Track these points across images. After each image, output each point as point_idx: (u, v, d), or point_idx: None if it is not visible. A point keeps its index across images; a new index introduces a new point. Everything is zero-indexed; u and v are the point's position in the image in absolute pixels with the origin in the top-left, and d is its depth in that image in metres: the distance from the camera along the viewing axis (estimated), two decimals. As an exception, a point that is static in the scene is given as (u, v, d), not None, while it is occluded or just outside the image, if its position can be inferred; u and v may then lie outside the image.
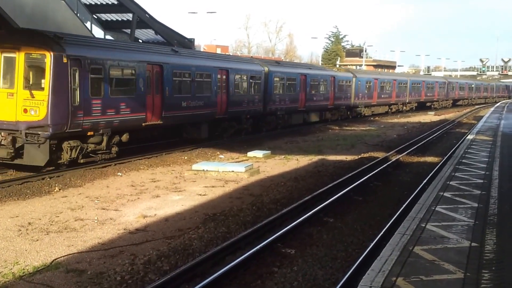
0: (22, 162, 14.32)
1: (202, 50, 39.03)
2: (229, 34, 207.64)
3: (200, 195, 13.09)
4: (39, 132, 13.87)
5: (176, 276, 7.32)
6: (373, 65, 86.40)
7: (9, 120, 14.10)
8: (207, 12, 53.30)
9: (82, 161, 15.44)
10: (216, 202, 12.44)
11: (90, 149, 15.68)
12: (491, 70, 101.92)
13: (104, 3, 26.49)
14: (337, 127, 33.31)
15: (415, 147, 22.74)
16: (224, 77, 22.47)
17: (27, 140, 13.90)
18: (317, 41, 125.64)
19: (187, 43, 30.70)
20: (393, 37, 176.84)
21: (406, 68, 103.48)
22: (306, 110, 30.81)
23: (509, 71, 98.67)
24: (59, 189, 13.30)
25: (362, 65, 75.63)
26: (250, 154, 19.79)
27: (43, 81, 14.10)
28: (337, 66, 58.81)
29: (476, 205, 8.93)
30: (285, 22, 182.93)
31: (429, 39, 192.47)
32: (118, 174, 15.62)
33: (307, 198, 12.14)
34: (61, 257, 8.43)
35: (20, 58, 14.15)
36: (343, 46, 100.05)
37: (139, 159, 17.86)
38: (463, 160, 14.28)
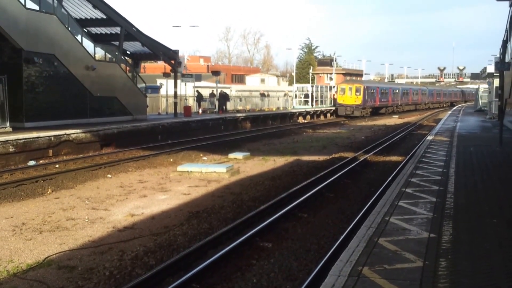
0: (351, 115, 48.22)
1: (186, 60, 39.34)
2: (211, 46, 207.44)
3: (185, 194, 13.00)
4: (360, 108, 49.11)
5: (162, 270, 7.24)
6: (342, 73, 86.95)
7: (350, 104, 48.94)
8: (190, 26, 53.09)
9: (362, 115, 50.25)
10: (199, 200, 12.36)
11: (367, 113, 50.93)
12: (449, 77, 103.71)
13: (94, 17, 26.16)
14: (310, 130, 33.52)
15: (381, 147, 22.96)
16: (378, 91, 54.71)
17: (355, 110, 48.65)
18: (291, 52, 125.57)
19: (172, 54, 30.49)
20: (360, 47, 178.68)
21: (372, 76, 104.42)
22: (412, 104, 64.86)
23: (464, 78, 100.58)
24: (52, 191, 13.07)
25: (332, 73, 76.45)
26: (231, 155, 19.76)
27: (359, 93, 49.03)
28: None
29: (434, 199, 9.03)
30: (262, 35, 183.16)
31: (392, 49, 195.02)
32: (108, 176, 15.42)
33: (283, 195, 12.14)
34: (53, 254, 8.27)
35: (353, 87, 49.40)
36: (315, 56, 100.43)
37: (128, 162, 17.69)
38: (423, 159, 14.46)
